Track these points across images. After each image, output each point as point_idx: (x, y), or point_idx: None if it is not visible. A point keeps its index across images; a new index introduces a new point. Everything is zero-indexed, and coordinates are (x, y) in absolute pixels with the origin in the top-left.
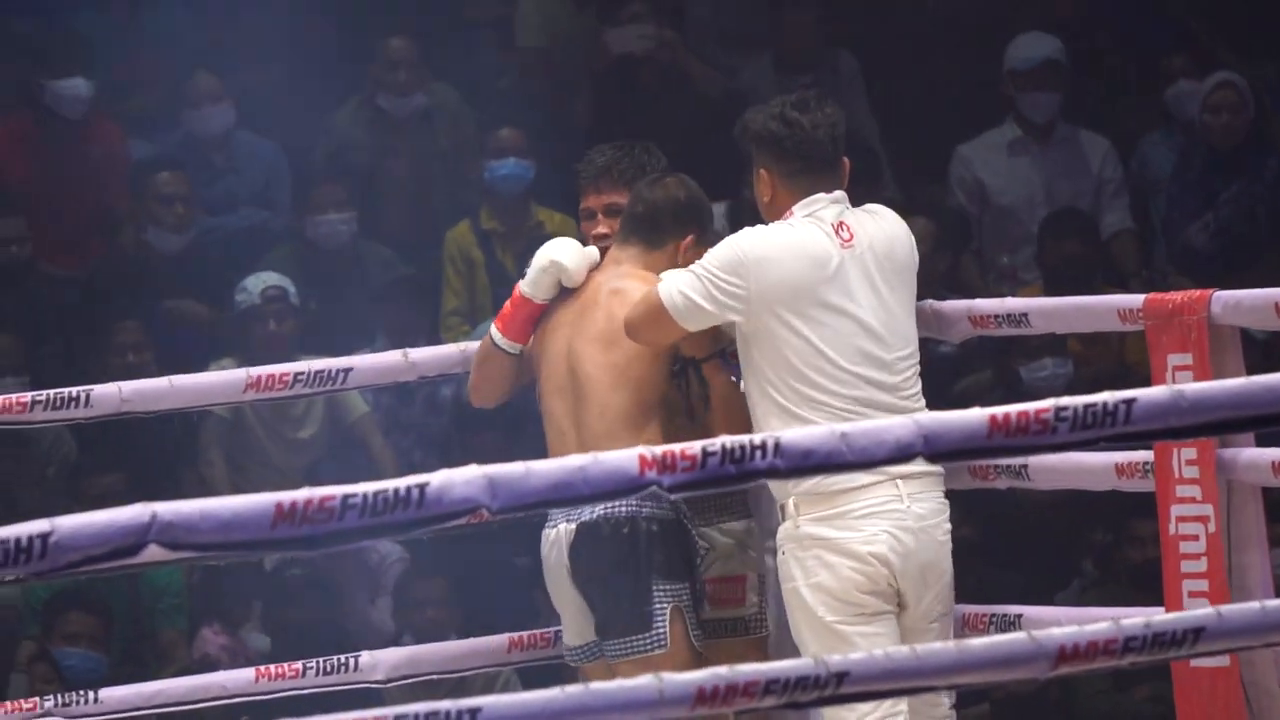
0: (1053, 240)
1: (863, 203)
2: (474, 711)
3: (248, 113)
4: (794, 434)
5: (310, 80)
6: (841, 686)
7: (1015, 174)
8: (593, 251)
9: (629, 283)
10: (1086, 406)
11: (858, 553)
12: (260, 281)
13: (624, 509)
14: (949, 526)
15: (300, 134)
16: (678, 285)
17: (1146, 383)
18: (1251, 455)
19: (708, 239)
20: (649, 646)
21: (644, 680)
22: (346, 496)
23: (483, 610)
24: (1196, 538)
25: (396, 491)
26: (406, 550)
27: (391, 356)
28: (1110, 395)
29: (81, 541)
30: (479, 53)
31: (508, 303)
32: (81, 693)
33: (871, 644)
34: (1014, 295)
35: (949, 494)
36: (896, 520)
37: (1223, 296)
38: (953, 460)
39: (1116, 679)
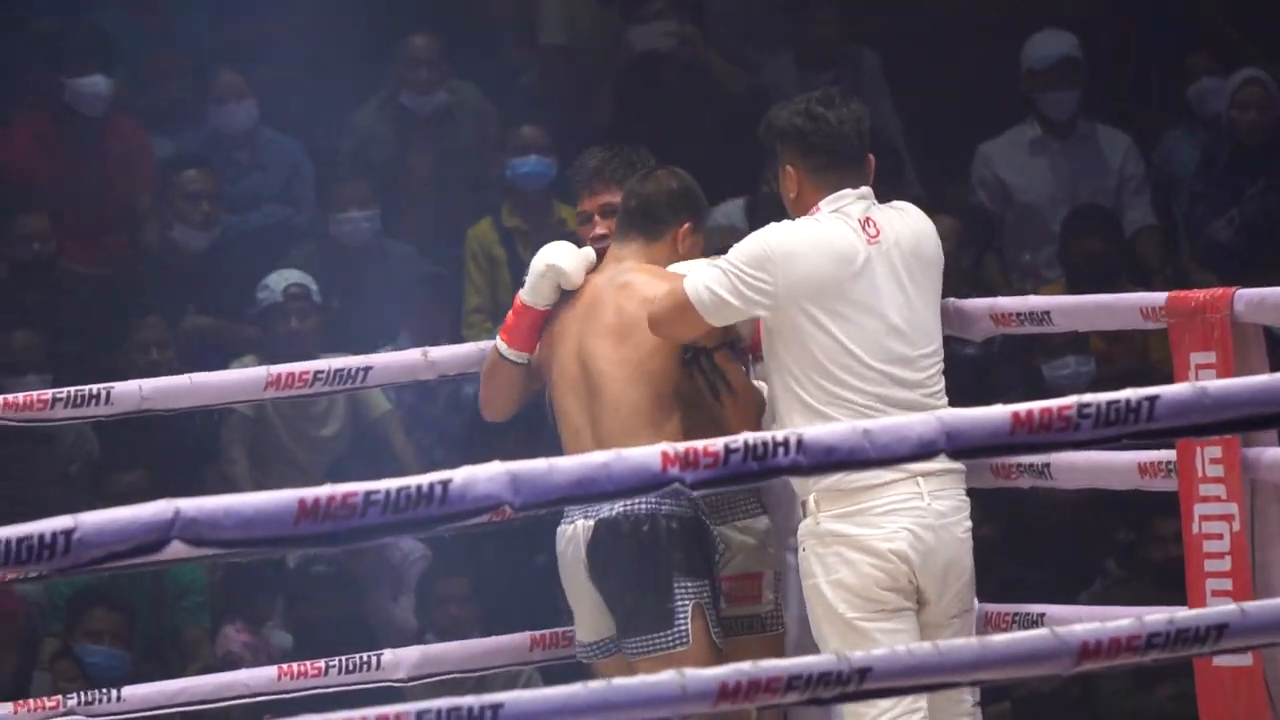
0: (1075, 238)
1: (886, 200)
2: (496, 707)
3: (271, 110)
4: (817, 431)
5: (333, 78)
6: (864, 683)
7: (1037, 172)
8: (589, 252)
9: (635, 276)
10: (1110, 403)
11: (878, 549)
12: (283, 279)
13: (644, 506)
14: (969, 524)
15: (323, 131)
16: (704, 281)
17: (1169, 381)
18: (1276, 454)
19: (704, 226)
20: (671, 643)
21: (666, 676)
22: (369, 493)
23: (505, 608)
24: (1220, 536)
25: (419, 488)
26: (429, 547)
27: (411, 355)
28: (1133, 392)
29: (105, 538)
30: (501, 50)
31: (510, 313)
32: (104, 691)
33: (891, 640)
34: (1036, 293)
35: (971, 492)
36: (917, 517)
37: (1245, 294)
38: (975, 457)
39: (1139, 677)
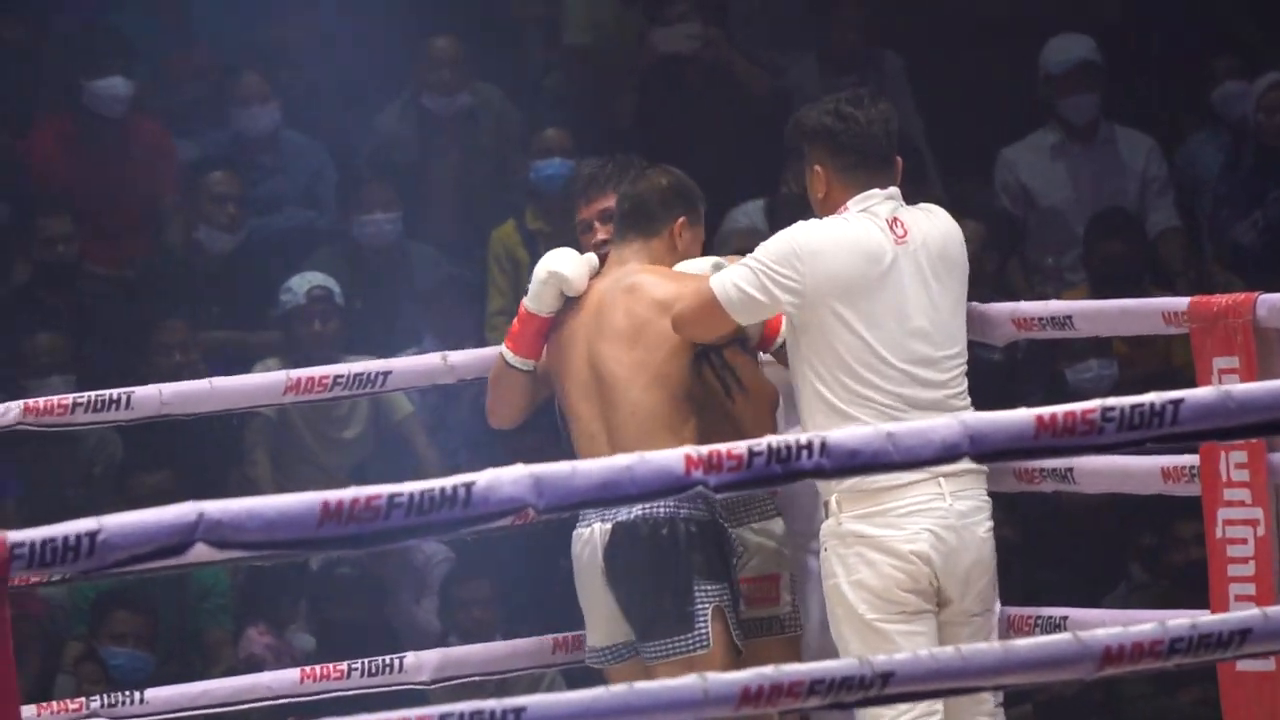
0: (1098, 240)
1: (911, 202)
2: (519, 711)
3: (294, 113)
4: (840, 434)
5: (356, 80)
6: (887, 687)
7: (1059, 177)
8: (591, 258)
9: (642, 278)
10: (1134, 407)
11: (900, 551)
12: (305, 282)
13: (662, 509)
14: (991, 524)
15: (346, 134)
16: (731, 278)
17: (1192, 384)
18: None
19: (700, 220)
20: (691, 647)
21: (688, 680)
22: (393, 495)
23: (527, 611)
24: (1245, 541)
25: (443, 490)
26: (452, 550)
27: (430, 359)
28: (1157, 396)
29: (129, 540)
30: (524, 52)
31: (515, 321)
32: (127, 693)
33: (911, 643)
34: (1059, 296)
35: (994, 495)
36: (939, 518)
37: (1269, 299)
38: (999, 460)
39: (1162, 682)
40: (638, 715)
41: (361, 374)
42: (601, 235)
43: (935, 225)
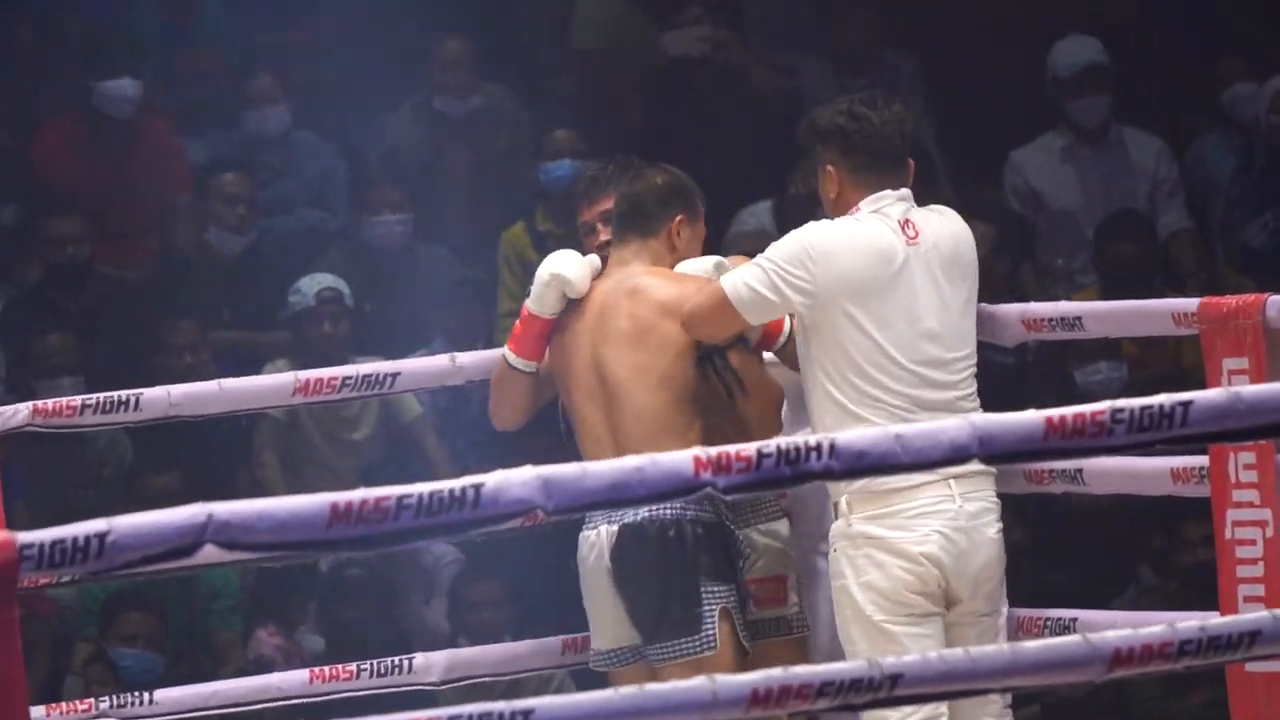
0: (1109, 242)
1: (922, 204)
2: (527, 713)
3: (304, 114)
4: (849, 435)
5: (366, 82)
6: (896, 689)
7: (1068, 179)
8: (594, 259)
9: (645, 280)
10: (1143, 408)
11: (909, 553)
12: (315, 283)
13: (669, 511)
14: (1000, 524)
15: (356, 135)
16: (742, 278)
17: (1202, 386)
18: None
19: (698, 218)
20: (699, 648)
21: (697, 682)
22: (402, 497)
23: (537, 612)
24: (1254, 542)
25: (452, 492)
26: (461, 551)
27: (439, 360)
28: (1167, 397)
29: (139, 541)
30: (535, 54)
31: (517, 323)
32: (136, 694)
33: (919, 645)
34: (1070, 298)
35: (1003, 496)
36: (949, 520)
37: (1278, 300)
38: (1008, 462)
39: (1171, 683)
40: (647, 717)
41: (371, 375)
42: (604, 237)
43: (947, 227)
